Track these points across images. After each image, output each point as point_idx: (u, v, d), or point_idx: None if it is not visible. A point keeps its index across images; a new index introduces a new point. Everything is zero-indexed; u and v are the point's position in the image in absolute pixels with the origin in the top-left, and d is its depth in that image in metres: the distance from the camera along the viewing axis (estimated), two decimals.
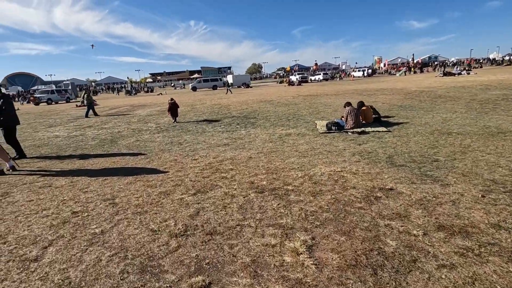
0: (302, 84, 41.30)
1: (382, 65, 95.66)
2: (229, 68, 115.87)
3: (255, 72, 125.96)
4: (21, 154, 6.75)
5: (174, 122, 11.99)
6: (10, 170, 5.61)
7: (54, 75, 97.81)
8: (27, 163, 6.28)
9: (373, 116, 8.76)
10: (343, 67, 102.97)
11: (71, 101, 37.00)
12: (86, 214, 3.37)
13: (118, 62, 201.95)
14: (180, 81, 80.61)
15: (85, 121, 14.05)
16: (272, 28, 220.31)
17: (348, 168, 4.70)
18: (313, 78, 53.56)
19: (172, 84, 77.28)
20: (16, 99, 51.11)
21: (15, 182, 4.89)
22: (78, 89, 69.13)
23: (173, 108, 12.27)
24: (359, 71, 60.57)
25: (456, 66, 40.14)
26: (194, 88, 43.63)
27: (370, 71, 59.74)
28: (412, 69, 58.74)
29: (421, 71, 53.89)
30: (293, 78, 50.26)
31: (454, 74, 29.12)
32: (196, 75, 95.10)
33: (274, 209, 3.34)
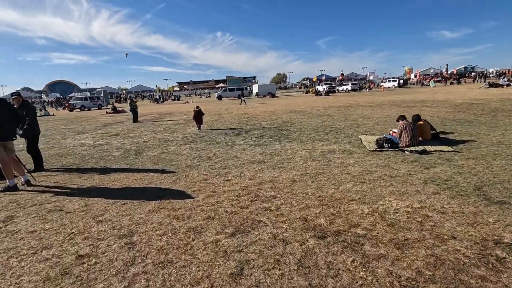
0: (330, 94, 39.89)
1: (413, 75, 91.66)
2: (254, 77, 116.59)
3: (280, 82, 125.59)
4: (39, 166, 6.24)
5: (198, 129, 11.82)
6: (25, 185, 5.05)
7: (89, 83, 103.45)
8: (44, 177, 5.74)
9: (431, 132, 7.50)
10: (371, 77, 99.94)
11: (102, 108, 38.13)
12: (94, 260, 2.56)
13: (148, 71, 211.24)
14: (206, 90, 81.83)
15: (112, 129, 13.82)
16: (296, 39, 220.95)
17: (429, 204, 3.59)
18: (340, 88, 51.89)
19: (198, 93, 78.64)
20: (54, 105, 54.28)
21: (25, 201, 4.27)
22: (109, 96, 72.17)
23: (198, 116, 11.96)
24: (389, 81, 57.97)
25: (502, 77, 36.86)
26: (219, 97, 43.67)
27: (401, 81, 56.98)
28: (448, 80, 55.36)
29: (459, 82, 50.56)
30: (320, 88, 48.99)
31: (502, 86, 26.53)
32: (221, 84, 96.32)
33: (349, 270, 2.33)
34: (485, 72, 67.40)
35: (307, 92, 55.69)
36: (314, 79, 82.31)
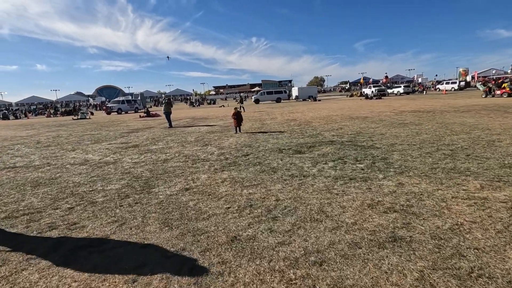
0: (382, 98, 35.06)
1: (469, 77, 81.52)
2: (290, 81, 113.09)
3: (317, 85, 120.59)
4: None
5: (236, 132, 10.69)
6: None
7: (131, 87, 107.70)
8: None
9: None
10: (419, 79, 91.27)
11: (139, 111, 37.28)
12: None
13: (186, 77, 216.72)
14: (242, 94, 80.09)
15: (135, 137, 11.32)
16: (332, 42, 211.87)
17: None
18: (390, 91, 46.35)
19: (234, 97, 77.08)
20: (98, 108, 55.95)
21: None
22: (148, 99, 73.27)
23: (237, 117, 10.77)
24: (447, 83, 51.11)
25: None
26: (257, 101, 40.86)
27: (462, 83, 49.84)
28: None
29: None
30: (368, 91, 44.02)
31: None
32: (256, 88, 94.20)
33: None
34: None
35: (351, 95, 50.87)
36: (361, 82, 76.55)
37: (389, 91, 46.18)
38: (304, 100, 41.43)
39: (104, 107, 39.37)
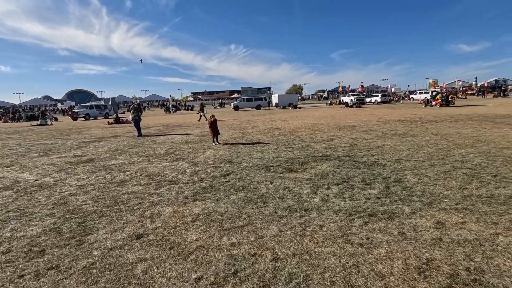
0: (362, 106, 35.11)
1: (438, 88, 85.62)
2: (269, 88, 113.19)
3: (296, 93, 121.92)
4: None
5: (214, 143, 9.37)
6: None
7: (104, 91, 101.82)
8: None
9: None
10: (392, 89, 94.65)
11: (109, 117, 34.71)
12: None
13: (163, 82, 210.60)
14: (220, 100, 78.44)
15: (94, 149, 9.59)
16: (310, 51, 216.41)
17: None
18: (368, 100, 46.99)
19: (213, 103, 75.40)
20: (66, 113, 51.84)
21: None
22: (122, 105, 69.63)
23: (213, 126, 9.36)
24: (420, 93, 53.04)
25: None
26: (236, 107, 39.56)
27: (434, 93, 52.05)
28: (485, 92, 49.79)
29: (504, 95, 44.81)
30: (346, 99, 44.30)
31: None
32: (236, 95, 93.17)
33: None
34: None
35: (330, 103, 51.08)
36: (340, 90, 77.79)
37: (367, 99, 46.81)
38: (284, 107, 40.76)
39: (70, 112, 36.28)
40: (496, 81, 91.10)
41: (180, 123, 20.30)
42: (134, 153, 8.36)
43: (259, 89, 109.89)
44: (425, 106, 25.69)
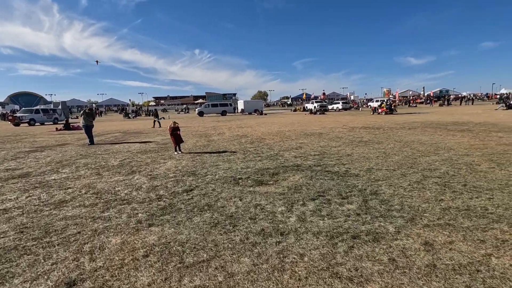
0: (325, 113, 36.19)
1: (391, 97, 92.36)
2: (234, 94, 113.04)
3: (261, 99, 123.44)
4: None
5: (176, 153, 8.60)
6: None
7: (55, 94, 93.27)
8: None
9: None
10: (351, 97, 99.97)
11: (59, 122, 31.58)
12: None
13: (123, 86, 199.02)
14: (185, 106, 76.21)
15: (33, 160, 8.27)
16: (274, 59, 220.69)
17: None
18: (330, 107, 48.80)
19: (176, 108, 73.01)
20: (6, 118, 46.11)
21: None
22: (76, 109, 64.30)
23: (176, 133, 8.62)
24: (377, 101, 56.61)
25: (509, 99, 34.93)
26: (201, 113, 38.45)
27: (380, 102, 56.28)
28: (436, 101, 54.67)
29: (448, 104, 49.44)
30: (310, 106, 45.51)
31: None
32: (200, 100, 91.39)
33: None
34: (471, 95, 68.08)
35: (295, 110, 52.11)
36: (304, 97, 79.92)
37: (330, 107, 48.57)
38: (250, 113, 40.61)
39: (11, 117, 32.29)
40: (440, 91, 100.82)
41: (140, 129, 18.94)
42: (82, 165, 7.31)
43: (224, 94, 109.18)
44: (373, 113, 28.07)
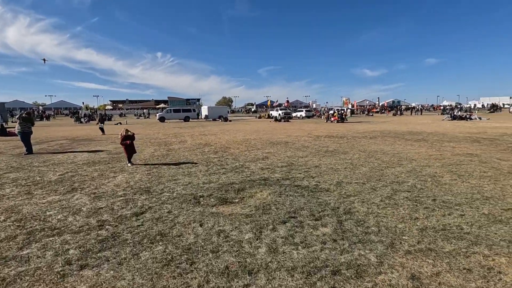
0: (289, 120, 36.68)
1: (350, 106, 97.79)
2: (198, 100, 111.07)
3: (226, 105, 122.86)
4: None
5: (130, 164, 7.69)
6: None
7: None
8: None
9: None
10: (314, 105, 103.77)
11: None
12: None
13: (76, 87, 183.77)
14: (145, 110, 72.60)
15: None
16: (239, 65, 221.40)
17: None
18: (294, 114, 49.86)
19: (135, 113, 69.24)
20: None
21: None
22: (19, 112, 57.87)
23: (130, 144, 7.66)
24: (337, 110, 59.37)
25: (455, 110, 38.53)
26: (162, 119, 36.60)
27: (349, 111, 59.43)
28: (390, 111, 58.76)
29: (401, 113, 53.31)
30: (275, 113, 45.99)
31: (466, 119, 26.39)
32: (162, 105, 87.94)
33: None
34: (419, 105, 74.36)
35: (260, 117, 52.31)
36: (269, 104, 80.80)
37: (293, 114, 49.58)
38: (214, 120, 39.74)
39: None
40: (393, 101, 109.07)
41: (91, 136, 17.20)
42: (10, 181, 6.10)
43: (187, 100, 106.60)
44: (326, 121, 30.46)
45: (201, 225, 3.62)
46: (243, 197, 4.77)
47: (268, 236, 3.27)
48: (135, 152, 8.08)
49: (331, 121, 29.54)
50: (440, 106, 78.21)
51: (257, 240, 3.19)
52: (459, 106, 56.83)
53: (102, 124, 19.57)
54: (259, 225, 3.58)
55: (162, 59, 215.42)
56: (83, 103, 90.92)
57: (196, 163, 7.86)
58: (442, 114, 33.93)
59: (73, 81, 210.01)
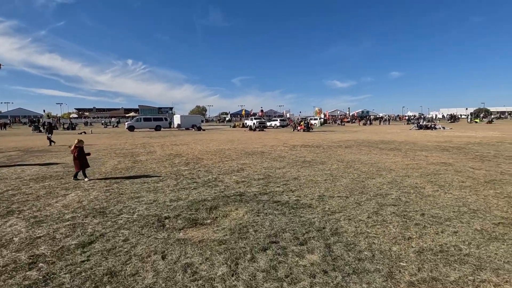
0: (264, 130, 36.49)
1: (322, 115, 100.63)
2: (171, 108, 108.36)
3: (200, 114, 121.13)
4: None
5: (85, 180, 6.78)
6: None
7: None
8: None
9: None
10: (288, 115, 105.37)
11: None
12: None
13: (38, 95, 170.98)
14: (113, 119, 69.18)
15: None
16: (213, 75, 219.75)
17: None
18: (268, 124, 49.94)
19: (103, 122, 65.68)
20: None
21: None
22: None
23: (79, 155, 6.84)
24: (312, 119, 60.82)
25: (420, 120, 40.61)
26: (131, 128, 34.71)
27: (322, 120, 61.30)
28: (360, 120, 61.04)
29: (370, 123, 55.43)
30: (250, 122, 45.73)
31: (431, 128, 27.74)
32: (132, 114, 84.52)
33: None
34: (386, 115, 78.07)
35: (234, 126, 51.78)
36: (243, 113, 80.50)
37: (268, 123, 49.66)
38: (187, 129, 38.54)
39: None
40: (362, 111, 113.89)
41: (49, 147, 15.58)
42: None
43: (160, 108, 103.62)
44: (293, 130, 32.13)
45: (163, 258, 2.95)
46: (216, 217, 4.15)
47: (246, 270, 2.70)
48: (88, 166, 7.15)
49: (298, 130, 30.88)
50: (405, 116, 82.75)
51: (232, 276, 2.60)
52: (423, 117, 60.46)
53: (49, 134, 17.21)
54: (234, 255, 2.99)
55: (133, 66, 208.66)
56: (44, 110, 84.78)
57: (164, 177, 7.09)
58: (408, 123, 35.69)
59: (34, 87, 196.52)
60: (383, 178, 6.71)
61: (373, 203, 4.78)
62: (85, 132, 31.28)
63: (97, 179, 6.94)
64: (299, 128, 31.65)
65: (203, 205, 4.75)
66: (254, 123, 42.30)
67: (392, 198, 5.07)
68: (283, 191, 5.60)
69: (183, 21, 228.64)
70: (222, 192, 5.60)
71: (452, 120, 53.17)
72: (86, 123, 61.27)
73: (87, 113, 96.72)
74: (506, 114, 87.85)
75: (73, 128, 45.11)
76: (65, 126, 47.30)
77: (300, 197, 5.21)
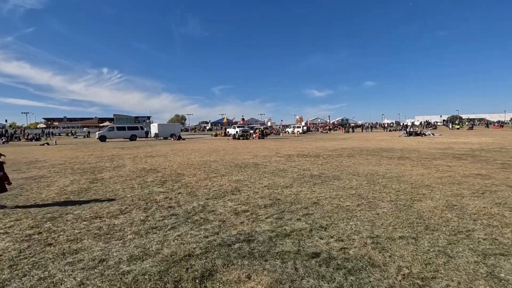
0: (248, 138, 34.59)
1: (303, 123, 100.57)
2: (149, 117, 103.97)
3: (179, 123, 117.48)
4: None
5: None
6: None
7: None
8: None
9: None
10: (268, 123, 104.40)
11: None
12: None
13: (4, 104, 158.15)
14: (85, 129, 64.50)
15: None
16: (192, 84, 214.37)
17: None
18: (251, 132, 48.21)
19: (72, 132, 61.01)
20: None
21: None
22: None
23: None
24: (294, 127, 60.06)
25: (408, 127, 40.40)
26: (102, 138, 31.47)
27: (305, 128, 60.92)
28: (338, 128, 60.87)
29: (353, 131, 55.27)
30: (232, 131, 43.69)
31: (421, 135, 27.09)
32: (107, 123, 79.76)
33: None
34: (367, 123, 78.90)
35: (216, 135, 49.52)
36: (225, 121, 78.23)
37: (251, 132, 47.90)
38: (165, 138, 35.84)
39: None
40: (342, 119, 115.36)
41: None
42: None
43: (136, 117, 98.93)
44: (249, 138, 33.56)
45: None
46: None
47: None
48: (5, 190, 4.91)
49: (253, 138, 32.66)
50: (383, 123, 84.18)
51: None
52: (404, 124, 61.32)
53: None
54: None
55: (108, 75, 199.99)
56: (6, 120, 77.91)
57: (128, 205, 4.94)
58: (394, 130, 35.38)
59: (0, 97, 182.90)
60: (432, 200, 4.97)
61: (467, 252, 2.97)
62: (47, 144, 27.81)
63: (27, 207, 4.67)
64: (254, 135, 33.31)
65: (187, 269, 2.70)
66: (237, 132, 40.36)
67: (483, 239, 3.29)
68: (310, 229, 3.67)
69: (161, 29, 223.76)
70: (217, 234, 3.57)
71: (434, 127, 54.17)
72: (47, 134, 55.62)
73: (56, 123, 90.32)
74: (476, 121, 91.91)
75: (37, 139, 40.88)
76: (29, 137, 42.84)
77: (342, 240, 3.31)
